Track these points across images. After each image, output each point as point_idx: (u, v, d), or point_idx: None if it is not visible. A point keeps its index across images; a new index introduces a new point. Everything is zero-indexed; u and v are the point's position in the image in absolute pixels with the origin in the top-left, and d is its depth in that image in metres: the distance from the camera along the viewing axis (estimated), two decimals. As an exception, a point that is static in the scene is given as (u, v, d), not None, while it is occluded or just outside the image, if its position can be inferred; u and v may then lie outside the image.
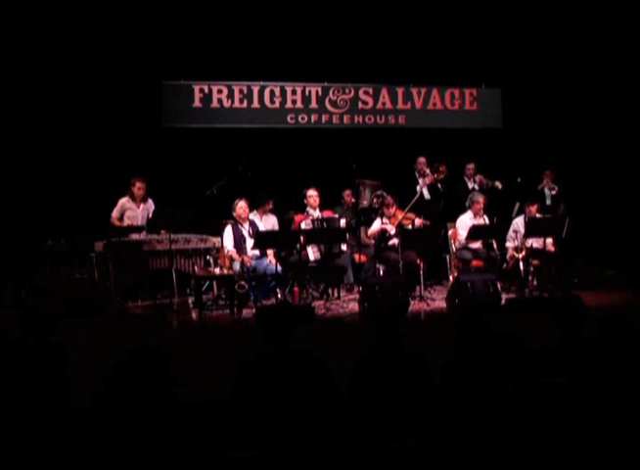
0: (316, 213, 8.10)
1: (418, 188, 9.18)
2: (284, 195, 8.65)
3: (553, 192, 9.61)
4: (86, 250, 7.60)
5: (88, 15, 8.51)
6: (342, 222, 8.03)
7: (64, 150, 8.56)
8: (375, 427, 2.96)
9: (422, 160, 9.30)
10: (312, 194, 8.11)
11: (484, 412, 2.85)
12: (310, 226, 7.85)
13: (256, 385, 3.19)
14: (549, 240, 7.75)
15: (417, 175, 9.29)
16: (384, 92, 10.03)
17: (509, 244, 7.95)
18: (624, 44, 9.65)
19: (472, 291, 6.96)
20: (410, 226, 7.94)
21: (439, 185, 9.16)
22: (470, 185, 9.34)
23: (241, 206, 7.53)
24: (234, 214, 7.55)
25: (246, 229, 7.49)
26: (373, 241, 8.10)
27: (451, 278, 7.86)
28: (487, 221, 8.10)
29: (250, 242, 7.41)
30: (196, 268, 7.50)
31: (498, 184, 9.33)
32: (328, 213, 8.29)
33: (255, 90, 9.65)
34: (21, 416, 2.78)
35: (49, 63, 8.52)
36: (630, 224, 9.25)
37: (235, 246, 7.40)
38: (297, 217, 8.08)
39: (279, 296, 7.43)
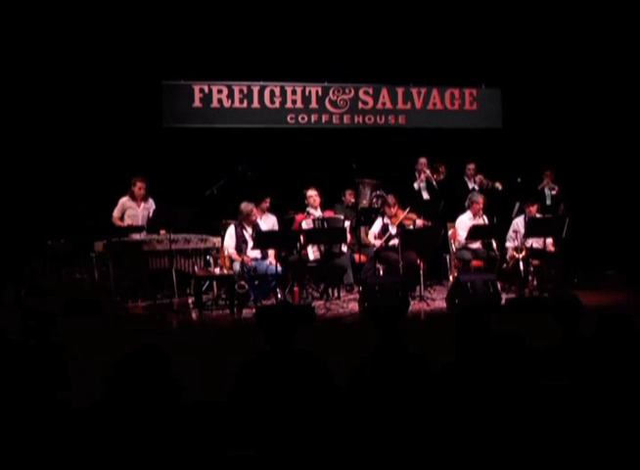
0: (317, 213, 8.10)
1: (415, 185, 9.20)
2: (284, 195, 8.64)
3: (553, 192, 9.60)
4: (86, 250, 7.61)
5: (88, 15, 8.51)
6: (347, 224, 8.02)
7: (64, 150, 8.55)
8: (374, 427, 2.96)
9: (423, 160, 9.30)
10: (312, 194, 8.13)
11: (484, 412, 2.85)
12: (311, 226, 7.85)
13: (257, 385, 3.19)
14: (549, 240, 7.75)
15: (417, 175, 9.30)
16: (384, 92, 10.03)
17: (509, 244, 7.95)
18: (624, 44, 9.65)
19: (472, 291, 6.96)
20: (411, 227, 7.94)
21: (434, 183, 9.16)
22: (470, 185, 9.34)
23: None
24: (241, 217, 7.51)
25: (248, 232, 7.48)
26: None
27: (451, 278, 7.87)
28: (487, 221, 8.10)
29: (251, 244, 7.41)
30: (196, 268, 7.50)
31: (498, 185, 9.33)
32: (329, 213, 8.30)
33: (255, 90, 9.65)
34: (20, 416, 2.78)
35: (50, 63, 8.52)
36: (630, 224, 9.25)
37: (236, 247, 7.39)
38: (299, 217, 8.08)
39: (279, 296, 7.43)
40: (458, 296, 7.00)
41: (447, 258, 8.31)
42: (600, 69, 9.80)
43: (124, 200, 7.86)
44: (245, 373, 3.25)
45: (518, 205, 8.74)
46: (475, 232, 7.72)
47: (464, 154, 9.55)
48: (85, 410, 2.72)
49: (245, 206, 7.51)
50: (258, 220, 7.84)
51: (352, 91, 9.95)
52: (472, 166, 9.44)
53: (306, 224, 7.87)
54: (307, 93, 9.82)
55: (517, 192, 9.10)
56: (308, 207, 8.14)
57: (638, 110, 9.69)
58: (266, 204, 8.12)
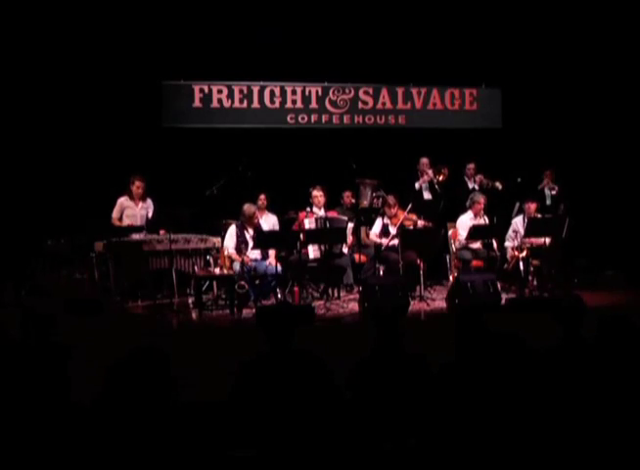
0: (321, 213, 8.10)
1: (417, 185, 9.19)
2: (284, 195, 8.64)
3: (553, 192, 9.60)
4: (86, 250, 7.61)
5: (88, 15, 8.51)
6: (350, 225, 8.02)
7: (64, 150, 8.56)
8: (375, 427, 2.96)
9: (425, 160, 9.30)
10: (317, 194, 8.11)
11: (484, 412, 2.85)
12: (314, 224, 7.86)
13: (256, 385, 3.19)
14: (549, 240, 7.75)
15: (419, 175, 9.30)
16: (384, 92, 10.03)
17: (508, 243, 7.94)
18: (624, 44, 9.65)
19: (472, 291, 6.95)
20: (412, 227, 7.94)
21: (437, 186, 9.17)
22: (470, 185, 9.34)
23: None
24: (243, 219, 7.50)
25: (250, 233, 7.48)
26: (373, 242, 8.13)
27: (451, 278, 7.87)
28: (487, 221, 8.10)
29: (251, 244, 7.41)
30: (196, 268, 7.50)
31: (498, 184, 9.33)
32: (333, 214, 8.30)
33: (255, 90, 9.65)
34: (21, 416, 2.78)
35: (50, 63, 8.52)
36: (630, 224, 9.25)
37: (236, 247, 7.39)
38: (301, 214, 8.08)
39: (279, 296, 7.43)
40: (458, 296, 6.99)
41: (447, 258, 8.31)
42: (600, 68, 9.80)
43: (122, 200, 7.86)
44: (245, 373, 3.25)
45: (518, 205, 8.73)
46: (475, 232, 7.72)
47: (464, 154, 9.54)
48: (85, 410, 2.72)
49: (247, 208, 7.50)
50: (261, 221, 7.84)
51: (352, 91, 9.95)
52: (472, 166, 9.43)
53: (309, 223, 7.87)
54: (307, 93, 9.82)
55: (517, 192, 9.10)
56: (313, 206, 8.13)
57: (638, 110, 9.69)
58: (262, 201, 8.09)
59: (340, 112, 9.89)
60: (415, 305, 7.34)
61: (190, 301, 7.64)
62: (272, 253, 7.49)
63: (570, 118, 9.87)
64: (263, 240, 7.34)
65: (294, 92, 9.79)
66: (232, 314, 7.09)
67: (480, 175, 9.40)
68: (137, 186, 7.82)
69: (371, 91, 10.02)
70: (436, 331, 5.81)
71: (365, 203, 8.94)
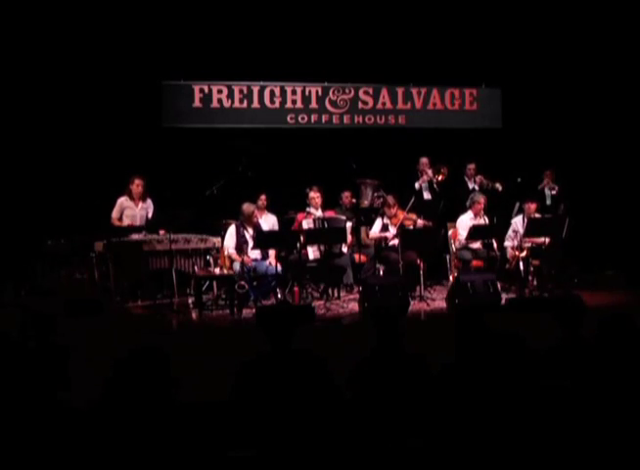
0: (318, 213, 8.10)
1: (416, 185, 9.19)
2: (284, 195, 8.64)
3: (553, 192, 9.60)
4: (86, 250, 7.60)
5: (88, 15, 8.51)
6: (349, 225, 8.02)
7: (64, 150, 8.55)
8: (375, 427, 2.95)
9: (424, 160, 9.30)
10: (314, 195, 8.12)
11: (484, 413, 2.85)
12: (312, 225, 7.86)
13: (257, 385, 3.19)
14: (548, 240, 7.75)
15: (419, 175, 9.30)
16: (384, 92, 10.03)
17: (507, 243, 7.94)
18: (624, 44, 9.65)
19: (472, 291, 6.96)
20: (412, 227, 7.94)
21: (435, 185, 9.17)
22: (470, 185, 9.34)
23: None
24: (242, 218, 7.51)
25: (249, 233, 7.48)
26: (373, 241, 8.12)
27: (451, 278, 7.87)
28: (487, 221, 8.10)
29: (252, 244, 7.41)
30: (196, 268, 7.50)
31: (498, 186, 9.33)
32: (330, 213, 8.30)
33: (255, 90, 9.65)
34: (21, 416, 2.78)
35: (50, 63, 8.52)
36: (630, 224, 9.25)
37: (236, 247, 7.39)
38: (299, 216, 8.08)
39: (279, 296, 7.43)
40: (458, 296, 6.99)
41: (447, 258, 8.31)
42: (600, 68, 9.80)
43: (122, 200, 7.86)
44: (245, 373, 3.25)
45: (518, 205, 8.73)
46: (475, 232, 7.72)
47: (464, 154, 9.54)
48: (86, 410, 2.72)
49: (247, 207, 7.51)
50: (261, 221, 7.84)
51: (352, 91, 9.95)
52: (472, 166, 9.43)
53: (307, 223, 7.87)
54: (307, 93, 9.81)
55: (517, 192, 9.10)
56: (310, 207, 8.14)
57: (638, 110, 9.69)
58: (262, 201, 8.08)
59: (340, 112, 9.89)
60: (415, 305, 7.33)
61: (190, 301, 7.64)
62: (272, 253, 7.49)
63: (569, 118, 9.86)
64: (263, 240, 7.34)
65: (294, 92, 9.79)
66: (232, 314, 7.08)
67: (481, 176, 9.40)
68: (137, 184, 7.81)
69: (371, 91, 10.02)
70: (436, 331, 5.81)
71: (366, 203, 8.94)
